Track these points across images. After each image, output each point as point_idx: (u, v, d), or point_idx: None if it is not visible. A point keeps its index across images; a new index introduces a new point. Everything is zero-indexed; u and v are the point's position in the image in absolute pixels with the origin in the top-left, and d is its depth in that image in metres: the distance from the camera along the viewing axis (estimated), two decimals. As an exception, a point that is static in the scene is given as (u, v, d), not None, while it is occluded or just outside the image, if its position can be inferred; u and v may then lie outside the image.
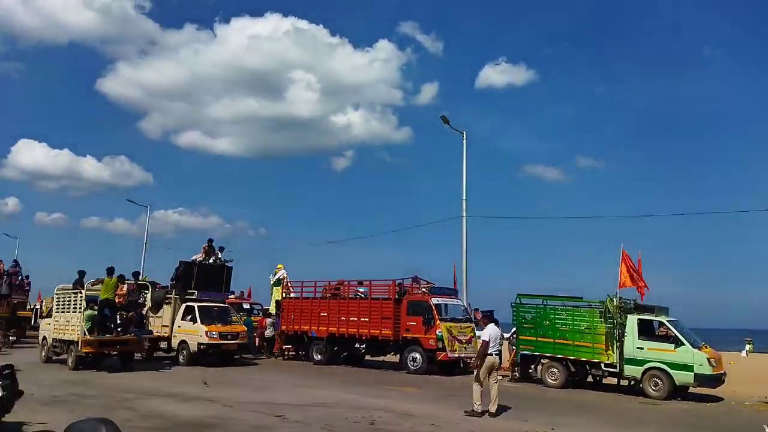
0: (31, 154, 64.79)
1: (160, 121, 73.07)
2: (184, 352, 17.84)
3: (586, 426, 9.94)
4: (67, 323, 16.22)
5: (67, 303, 16.64)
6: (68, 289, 17.07)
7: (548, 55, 72.33)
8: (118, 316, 16.08)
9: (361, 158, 72.19)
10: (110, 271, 16.21)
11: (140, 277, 20.08)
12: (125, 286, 16.83)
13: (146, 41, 71.33)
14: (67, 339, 16.07)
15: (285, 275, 21.54)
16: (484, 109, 69.37)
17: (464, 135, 22.68)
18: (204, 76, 66.27)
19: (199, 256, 20.32)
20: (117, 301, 16.16)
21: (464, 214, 21.86)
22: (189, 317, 18.15)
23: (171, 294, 19.11)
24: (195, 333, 17.62)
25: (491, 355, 10.43)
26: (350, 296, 19.54)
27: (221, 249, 21.18)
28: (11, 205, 70.41)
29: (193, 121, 72.12)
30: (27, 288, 27.63)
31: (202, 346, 17.36)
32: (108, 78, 73.36)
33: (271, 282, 21.90)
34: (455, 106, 68.40)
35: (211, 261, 20.36)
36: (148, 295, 19.08)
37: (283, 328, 20.60)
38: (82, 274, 17.32)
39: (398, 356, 18.12)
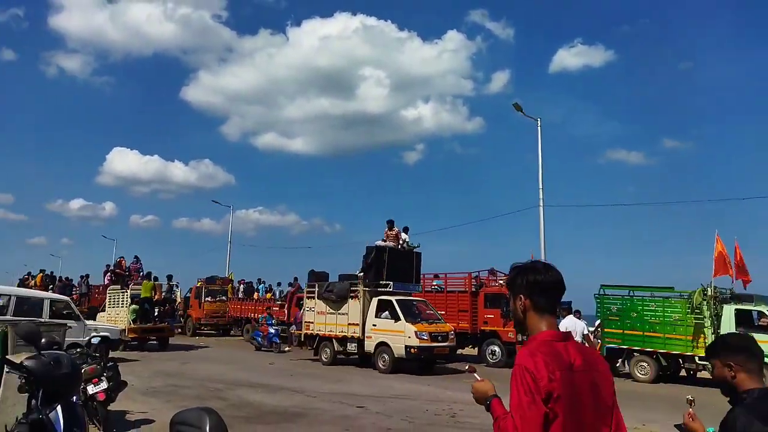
0: (125, 161, 69.58)
1: (239, 125, 76.03)
2: (385, 356, 14.98)
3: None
4: (116, 315, 20.27)
5: (116, 300, 20.89)
6: (117, 290, 21.67)
7: (626, 32, 68.74)
8: (156, 310, 20.45)
9: (432, 151, 71.77)
10: (148, 276, 21.76)
11: (173, 279, 23.40)
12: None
13: (224, 48, 74.46)
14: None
15: None
16: (559, 94, 66.99)
17: (539, 122, 22.05)
18: (278, 79, 68.32)
19: (386, 242, 17.17)
20: (155, 298, 20.60)
21: (541, 204, 21.27)
22: (384, 314, 15.36)
23: (357, 286, 16.19)
24: (400, 333, 14.66)
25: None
26: (426, 289, 19.56)
27: (405, 230, 18.07)
28: (108, 210, 75.84)
29: (269, 122, 74.63)
30: None
31: (412, 350, 14.35)
32: (191, 86, 77.24)
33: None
34: (528, 93, 66.57)
35: (399, 246, 17.34)
36: (178, 293, 23.15)
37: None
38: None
39: (476, 349, 17.95)
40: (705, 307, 13.68)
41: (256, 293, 27.58)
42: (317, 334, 16.93)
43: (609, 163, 62.36)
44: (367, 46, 65.53)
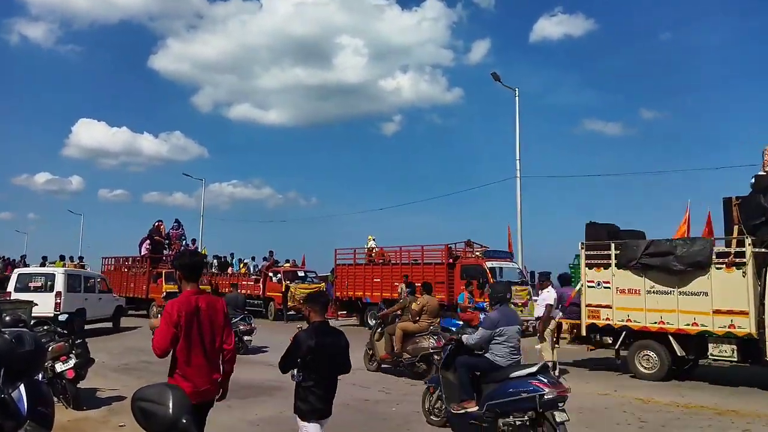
0: (91, 133, 67.02)
1: (211, 95, 73.57)
2: None
3: (648, 389, 9.65)
4: None
5: None
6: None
7: (608, 1, 67.86)
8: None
9: (411, 122, 70.84)
10: (62, 258, 24.31)
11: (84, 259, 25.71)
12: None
13: (194, 15, 71.52)
14: None
15: (375, 245, 21.60)
16: (539, 64, 66.03)
17: (516, 92, 21.95)
18: (252, 47, 66.03)
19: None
20: None
21: (518, 175, 21.32)
22: None
23: (670, 246, 10.05)
24: None
25: (554, 318, 10.26)
26: (402, 262, 19.55)
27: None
28: (75, 184, 73.35)
29: (243, 93, 72.24)
30: None
31: None
32: (159, 55, 73.98)
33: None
34: (509, 63, 65.41)
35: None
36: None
37: (337, 294, 20.83)
38: (44, 258, 25.09)
39: (453, 320, 17.98)
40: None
41: (230, 268, 27.29)
42: (625, 326, 10.45)
43: (587, 134, 62.35)
44: (345, 13, 63.85)
